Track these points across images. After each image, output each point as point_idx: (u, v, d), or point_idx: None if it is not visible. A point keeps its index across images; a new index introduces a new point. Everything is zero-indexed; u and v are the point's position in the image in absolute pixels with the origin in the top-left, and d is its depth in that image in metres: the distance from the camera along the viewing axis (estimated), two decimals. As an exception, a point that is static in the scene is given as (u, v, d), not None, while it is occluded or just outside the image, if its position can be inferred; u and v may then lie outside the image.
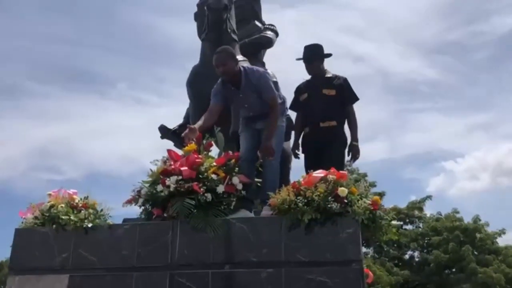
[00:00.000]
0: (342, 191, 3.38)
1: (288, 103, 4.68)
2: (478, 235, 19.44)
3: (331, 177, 3.51)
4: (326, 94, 4.69)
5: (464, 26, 48.84)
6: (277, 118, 4.09)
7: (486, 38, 45.84)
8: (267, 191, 3.84)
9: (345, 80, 4.82)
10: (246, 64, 4.94)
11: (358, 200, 3.43)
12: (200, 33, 5.86)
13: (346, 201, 3.38)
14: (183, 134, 3.98)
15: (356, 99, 4.83)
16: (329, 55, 4.90)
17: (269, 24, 6.34)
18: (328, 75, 4.85)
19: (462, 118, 43.75)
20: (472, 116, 43.94)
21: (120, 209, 4.06)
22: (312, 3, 51.06)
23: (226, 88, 4.18)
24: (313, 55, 4.86)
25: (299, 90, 4.93)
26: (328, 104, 4.63)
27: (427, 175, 41.18)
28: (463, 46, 46.50)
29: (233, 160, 3.96)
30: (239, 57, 5.21)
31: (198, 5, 6.30)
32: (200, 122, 4.05)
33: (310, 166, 4.37)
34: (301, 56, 4.94)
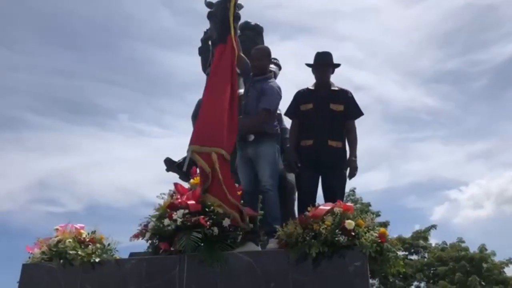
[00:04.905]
0: (349, 223, 3.38)
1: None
2: (484, 265, 19.16)
3: (337, 209, 3.52)
4: (334, 109, 4.43)
5: (461, 55, 49.28)
6: (255, 125, 4.19)
7: (484, 67, 46.27)
8: (269, 221, 3.88)
9: (351, 94, 4.59)
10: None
11: (365, 233, 3.42)
12: (204, 68, 5.96)
13: (353, 233, 3.36)
14: None
15: (360, 114, 4.58)
16: (339, 65, 4.64)
17: (272, 58, 6.42)
18: (334, 88, 4.57)
19: (462, 146, 43.59)
20: (473, 144, 43.80)
21: (126, 242, 4.07)
22: (310, 34, 51.58)
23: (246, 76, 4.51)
24: (327, 62, 4.58)
25: (301, 98, 4.57)
26: (335, 121, 4.40)
27: (431, 203, 40.86)
28: (461, 75, 46.89)
29: (239, 193, 3.99)
30: (242, 91, 5.29)
31: (202, 40, 6.44)
32: None
33: (310, 185, 4.26)
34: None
